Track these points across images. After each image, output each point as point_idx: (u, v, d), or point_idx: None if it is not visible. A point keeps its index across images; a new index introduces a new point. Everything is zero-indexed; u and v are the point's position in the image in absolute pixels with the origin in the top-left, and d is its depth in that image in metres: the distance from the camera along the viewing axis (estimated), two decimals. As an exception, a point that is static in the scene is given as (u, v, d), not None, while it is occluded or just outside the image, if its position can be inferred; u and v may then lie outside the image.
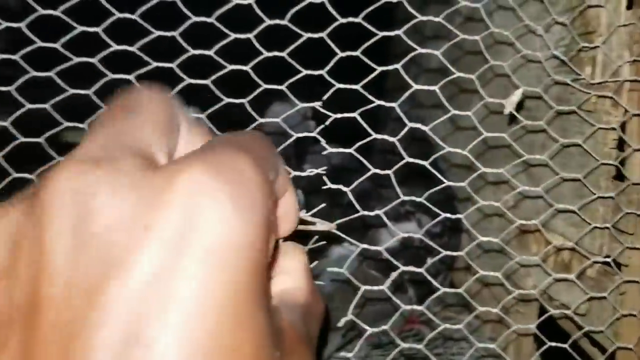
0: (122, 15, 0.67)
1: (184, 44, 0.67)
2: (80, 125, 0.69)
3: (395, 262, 0.71)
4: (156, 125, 0.28)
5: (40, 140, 0.68)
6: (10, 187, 0.79)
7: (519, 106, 0.76)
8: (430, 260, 0.78)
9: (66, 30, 0.67)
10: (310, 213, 0.62)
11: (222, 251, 0.23)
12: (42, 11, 0.69)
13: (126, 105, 0.28)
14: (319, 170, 0.68)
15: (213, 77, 0.68)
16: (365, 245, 0.72)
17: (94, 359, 0.21)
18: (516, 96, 0.74)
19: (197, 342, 0.22)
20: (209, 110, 0.68)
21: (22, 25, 0.68)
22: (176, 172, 0.24)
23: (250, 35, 0.67)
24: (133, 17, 0.67)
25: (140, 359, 0.21)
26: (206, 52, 0.67)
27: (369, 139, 0.71)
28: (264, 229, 0.25)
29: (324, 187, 0.72)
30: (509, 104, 0.74)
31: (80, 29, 0.68)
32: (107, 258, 0.22)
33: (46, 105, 0.69)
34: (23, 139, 0.69)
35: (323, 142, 0.72)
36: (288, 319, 0.31)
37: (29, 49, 0.69)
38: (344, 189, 0.70)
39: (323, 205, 0.68)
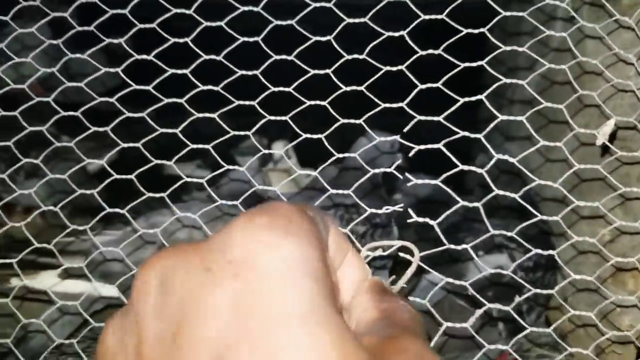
0: (207, 57, 0.70)
1: (265, 82, 0.69)
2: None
3: (481, 300, 0.69)
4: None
5: (132, 177, 0.71)
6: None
7: (612, 137, 0.72)
8: (521, 297, 0.76)
9: (158, 72, 0.72)
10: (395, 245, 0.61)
11: (284, 272, 0.26)
12: (137, 56, 0.73)
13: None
14: (396, 208, 0.67)
15: (292, 113, 0.69)
16: (449, 280, 0.70)
17: None
18: (609, 126, 0.71)
19: None
20: (292, 144, 0.70)
21: (118, 70, 0.73)
22: (230, 224, 0.27)
23: (329, 71, 0.68)
24: (217, 58, 0.70)
25: None
26: (285, 89, 0.69)
27: (454, 170, 0.70)
28: (317, 247, 0.28)
29: (410, 220, 0.71)
30: (602, 135, 0.71)
31: (170, 71, 0.72)
32: (184, 306, 0.26)
33: (138, 145, 0.73)
34: (118, 176, 0.73)
35: (408, 175, 0.71)
36: (367, 337, 0.32)
37: (125, 91, 0.74)
38: (431, 222, 0.69)
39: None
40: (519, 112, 0.73)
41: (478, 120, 1.60)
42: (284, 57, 0.68)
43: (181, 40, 0.70)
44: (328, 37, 0.69)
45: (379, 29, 0.69)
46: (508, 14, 0.73)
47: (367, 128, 0.68)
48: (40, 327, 0.76)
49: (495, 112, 0.71)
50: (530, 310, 1.00)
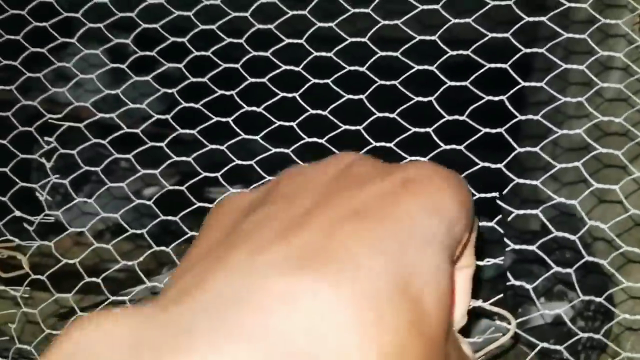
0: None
1: (305, 105, 0.73)
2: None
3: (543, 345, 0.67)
4: None
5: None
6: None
7: None
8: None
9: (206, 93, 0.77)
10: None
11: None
12: (192, 79, 0.79)
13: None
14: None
15: (328, 136, 0.72)
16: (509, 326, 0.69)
17: None
18: None
19: None
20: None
21: (174, 91, 0.79)
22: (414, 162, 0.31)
23: (363, 97, 0.71)
24: (262, 80, 0.75)
25: None
26: (322, 112, 0.72)
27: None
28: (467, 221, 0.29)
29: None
30: None
31: (219, 92, 0.77)
32: (358, 178, 0.28)
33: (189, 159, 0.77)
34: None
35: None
36: None
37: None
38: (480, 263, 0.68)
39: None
40: (571, 159, 0.72)
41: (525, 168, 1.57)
42: (317, 80, 0.73)
43: (232, 66, 0.76)
44: (362, 68, 0.73)
45: (410, 62, 0.72)
46: (568, 66, 0.74)
47: (399, 151, 0.70)
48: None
49: (550, 160, 0.71)
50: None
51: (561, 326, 0.90)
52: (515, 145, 0.70)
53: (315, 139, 0.72)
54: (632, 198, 0.83)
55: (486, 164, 0.70)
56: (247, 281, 0.23)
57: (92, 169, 0.82)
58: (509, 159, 0.70)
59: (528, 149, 0.70)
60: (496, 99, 0.71)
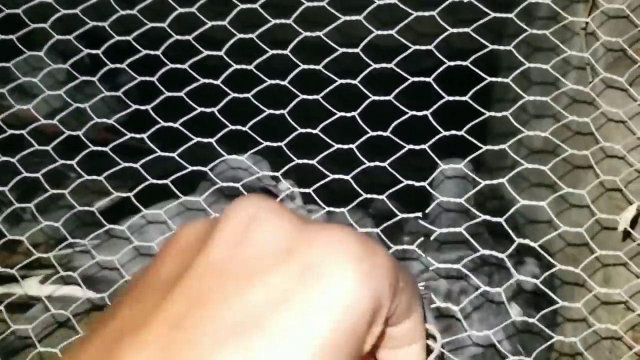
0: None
1: (292, 122, 0.70)
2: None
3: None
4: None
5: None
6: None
7: (634, 222, 0.70)
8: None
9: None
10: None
11: (331, 304, 0.24)
12: (169, 93, 0.74)
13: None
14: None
15: (319, 157, 0.70)
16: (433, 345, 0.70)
17: (210, 327, 0.23)
18: (630, 212, 0.68)
19: None
20: (316, 185, 0.70)
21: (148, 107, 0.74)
22: (327, 227, 0.26)
23: (355, 113, 0.69)
24: (247, 95, 0.70)
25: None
26: (313, 131, 0.70)
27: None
28: (373, 304, 0.25)
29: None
30: (624, 221, 0.68)
31: (199, 109, 0.72)
32: (253, 262, 0.25)
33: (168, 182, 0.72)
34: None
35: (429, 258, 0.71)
36: None
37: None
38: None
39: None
40: (534, 161, 0.73)
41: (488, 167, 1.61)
42: (312, 96, 0.69)
43: (215, 82, 0.71)
44: (354, 82, 0.70)
45: (403, 74, 0.70)
46: (532, 65, 0.74)
47: (392, 170, 0.69)
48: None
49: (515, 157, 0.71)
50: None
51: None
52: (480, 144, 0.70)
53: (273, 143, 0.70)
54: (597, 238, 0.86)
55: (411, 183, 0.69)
56: None
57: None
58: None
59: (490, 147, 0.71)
60: (462, 98, 0.71)
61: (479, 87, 0.70)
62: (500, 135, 0.75)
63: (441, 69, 0.69)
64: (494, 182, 0.68)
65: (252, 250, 0.26)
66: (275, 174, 0.71)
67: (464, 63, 0.73)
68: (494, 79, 0.73)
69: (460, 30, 0.72)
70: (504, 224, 0.62)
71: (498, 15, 0.74)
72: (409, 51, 0.69)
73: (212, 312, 0.24)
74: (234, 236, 0.26)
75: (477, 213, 0.65)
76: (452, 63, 0.71)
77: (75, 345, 0.26)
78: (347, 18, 0.71)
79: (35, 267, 0.89)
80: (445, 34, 0.72)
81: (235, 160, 0.95)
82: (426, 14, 0.72)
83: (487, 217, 0.64)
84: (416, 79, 0.70)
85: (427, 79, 0.70)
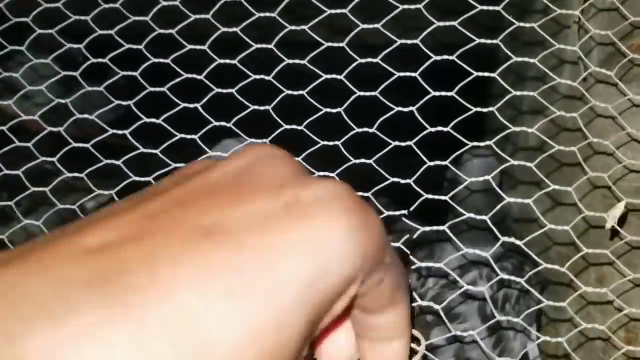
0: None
1: (277, 119, 0.69)
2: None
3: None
4: None
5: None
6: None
7: (622, 220, 0.69)
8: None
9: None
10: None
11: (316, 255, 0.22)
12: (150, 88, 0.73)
13: None
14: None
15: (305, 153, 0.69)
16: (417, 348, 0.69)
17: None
18: (618, 209, 0.67)
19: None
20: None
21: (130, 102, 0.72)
22: (325, 178, 0.25)
23: (340, 109, 0.68)
24: (231, 90, 0.69)
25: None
26: (298, 127, 0.68)
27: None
28: (355, 260, 0.23)
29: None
30: (611, 218, 0.67)
31: (182, 105, 0.71)
32: (244, 187, 0.24)
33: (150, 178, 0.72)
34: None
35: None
36: None
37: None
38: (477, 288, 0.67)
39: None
40: (527, 158, 0.72)
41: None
42: (294, 92, 0.68)
43: (198, 77, 0.70)
44: (340, 77, 0.69)
45: (390, 69, 0.69)
46: (519, 59, 0.73)
47: (378, 168, 0.67)
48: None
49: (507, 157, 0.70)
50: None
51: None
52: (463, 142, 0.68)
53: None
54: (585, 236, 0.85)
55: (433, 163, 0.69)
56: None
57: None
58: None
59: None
60: (449, 94, 0.70)
61: (465, 82, 0.68)
62: (494, 132, 0.73)
63: (427, 63, 0.67)
64: (480, 179, 0.67)
65: (247, 178, 0.25)
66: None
67: (450, 57, 0.71)
68: (480, 74, 0.72)
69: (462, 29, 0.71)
70: (488, 221, 0.61)
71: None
72: (394, 45, 0.68)
73: (187, 214, 0.23)
74: (235, 168, 0.25)
75: (461, 210, 0.64)
76: (451, 57, 0.70)
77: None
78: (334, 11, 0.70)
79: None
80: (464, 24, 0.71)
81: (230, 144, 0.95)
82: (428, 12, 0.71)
83: (472, 215, 0.62)
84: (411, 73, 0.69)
85: (413, 74, 0.69)
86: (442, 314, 0.68)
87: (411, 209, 0.62)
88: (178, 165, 0.72)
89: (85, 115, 0.74)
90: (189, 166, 0.28)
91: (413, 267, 0.86)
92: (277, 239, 0.22)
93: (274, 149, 0.27)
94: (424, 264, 0.66)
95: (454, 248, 0.70)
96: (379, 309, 0.27)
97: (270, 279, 0.21)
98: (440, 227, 0.62)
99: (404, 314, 0.28)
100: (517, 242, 0.62)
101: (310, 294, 0.22)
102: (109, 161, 0.70)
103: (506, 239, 0.61)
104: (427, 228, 0.63)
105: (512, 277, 0.63)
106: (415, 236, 0.62)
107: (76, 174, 0.73)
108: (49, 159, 0.73)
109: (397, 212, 0.62)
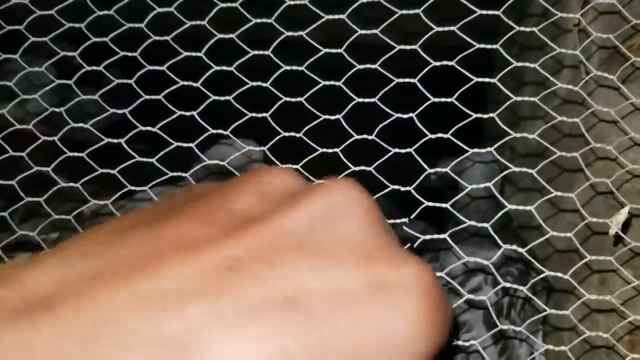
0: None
1: (275, 126, 0.68)
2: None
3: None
4: None
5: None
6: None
7: (625, 226, 0.67)
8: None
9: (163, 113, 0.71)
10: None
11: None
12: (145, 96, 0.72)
13: None
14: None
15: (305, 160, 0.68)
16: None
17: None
18: (622, 215, 0.66)
19: None
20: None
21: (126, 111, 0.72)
22: (413, 258, 0.24)
23: (339, 116, 0.67)
24: (228, 98, 0.68)
25: None
26: (296, 134, 0.67)
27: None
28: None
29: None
30: (615, 225, 0.66)
31: (179, 113, 0.70)
32: (328, 248, 0.23)
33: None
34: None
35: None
36: None
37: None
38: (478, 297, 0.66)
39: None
40: (526, 163, 0.71)
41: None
42: (292, 99, 0.67)
43: (194, 85, 0.69)
44: (339, 83, 0.68)
45: (389, 75, 0.68)
46: (519, 64, 0.72)
47: (378, 175, 0.66)
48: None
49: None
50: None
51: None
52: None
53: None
54: (587, 244, 0.84)
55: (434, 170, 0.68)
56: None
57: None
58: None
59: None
60: (448, 100, 0.69)
61: (464, 88, 0.68)
62: (493, 138, 0.72)
63: (426, 69, 0.67)
64: (481, 186, 0.66)
65: (328, 235, 0.23)
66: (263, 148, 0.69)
67: (450, 63, 0.71)
68: (480, 79, 0.71)
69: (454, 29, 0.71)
70: (490, 229, 0.60)
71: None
72: (393, 51, 0.67)
73: (267, 273, 0.21)
74: (314, 217, 0.24)
75: (462, 218, 0.63)
76: (450, 63, 0.69)
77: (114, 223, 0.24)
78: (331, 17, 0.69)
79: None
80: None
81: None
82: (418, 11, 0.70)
83: (473, 223, 0.61)
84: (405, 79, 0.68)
85: (413, 80, 0.68)
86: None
87: (412, 217, 0.61)
88: (173, 173, 0.71)
89: (81, 124, 0.73)
90: (263, 176, 0.26)
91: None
92: (358, 325, 0.21)
93: (359, 195, 0.25)
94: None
95: (458, 254, 0.69)
96: None
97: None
98: (441, 236, 0.61)
99: None
100: (520, 249, 0.61)
101: None
102: (104, 170, 0.69)
103: (508, 246, 0.60)
104: (428, 236, 0.62)
105: (515, 286, 0.62)
106: (417, 244, 0.61)
107: (72, 184, 0.72)
108: (44, 168, 0.73)
109: (399, 220, 0.61)
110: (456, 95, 0.68)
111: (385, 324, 0.22)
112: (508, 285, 0.61)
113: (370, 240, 0.24)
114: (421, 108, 0.67)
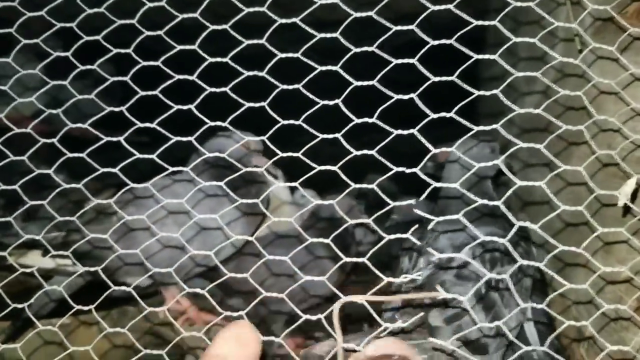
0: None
1: (273, 114, 0.67)
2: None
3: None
4: None
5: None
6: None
7: (634, 196, 0.67)
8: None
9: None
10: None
11: None
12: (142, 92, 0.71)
13: None
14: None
15: (305, 148, 0.67)
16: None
17: None
18: (629, 186, 0.65)
19: None
20: (306, 176, 0.67)
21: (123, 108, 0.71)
22: None
23: (338, 101, 0.66)
24: (225, 90, 0.67)
25: None
26: (295, 122, 0.67)
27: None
28: None
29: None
30: (623, 195, 0.65)
31: (176, 107, 0.69)
32: None
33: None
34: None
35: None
36: None
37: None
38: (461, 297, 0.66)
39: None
40: (528, 137, 0.70)
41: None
42: (289, 86, 0.66)
43: (190, 78, 0.68)
44: (335, 67, 0.67)
45: (386, 56, 0.67)
46: (519, 39, 0.71)
47: (380, 158, 0.66)
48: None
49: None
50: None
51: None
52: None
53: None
54: (598, 215, 0.84)
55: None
56: None
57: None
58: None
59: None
60: (449, 78, 0.68)
61: (465, 65, 0.67)
62: (489, 115, 0.72)
63: (425, 49, 0.66)
64: (489, 163, 0.65)
65: None
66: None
67: (448, 42, 0.69)
68: (479, 56, 0.70)
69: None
70: (502, 207, 0.59)
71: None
72: (390, 32, 0.66)
73: None
74: None
75: (473, 197, 0.62)
76: (448, 42, 0.68)
77: None
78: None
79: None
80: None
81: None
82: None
83: (485, 201, 0.61)
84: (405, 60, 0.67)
85: (412, 60, 0.67)
86: (441, 289, 0.66)
87: (420, 198, 0.60)
88: (174, 168, 0.71)
89: (79, 124, 0.72)
90: None
91: (404, 248, 0.85)
92: None
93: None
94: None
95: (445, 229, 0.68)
96: None
97: None
98: (455, 216, 0.60)
99: None
100: (532, 225, 0.60)
101: None
102: (105, 169, 0.68)
103: (521, 223, 0.60)
104: (441, 218, 0.61)
105: (495, 238, 0.61)
106: (409, 219, 0.60)
107: (74, 185, 0.71)
108: (45, 171, 0.72)
109: (405, 202, 0.61)
110: (457, 74, 0.67)
111: None
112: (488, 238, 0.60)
113: None
114: (422, 88, 0.66)
